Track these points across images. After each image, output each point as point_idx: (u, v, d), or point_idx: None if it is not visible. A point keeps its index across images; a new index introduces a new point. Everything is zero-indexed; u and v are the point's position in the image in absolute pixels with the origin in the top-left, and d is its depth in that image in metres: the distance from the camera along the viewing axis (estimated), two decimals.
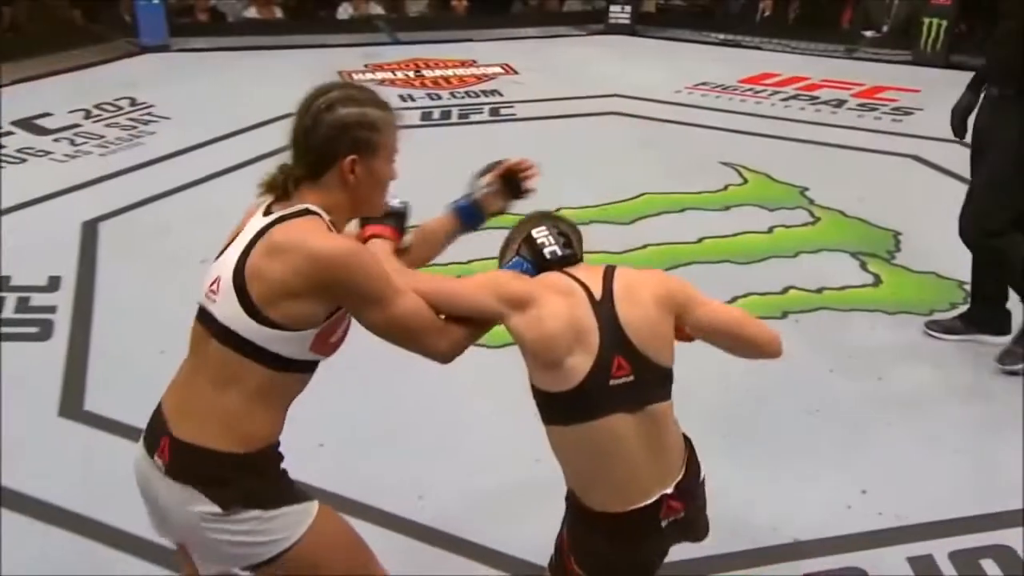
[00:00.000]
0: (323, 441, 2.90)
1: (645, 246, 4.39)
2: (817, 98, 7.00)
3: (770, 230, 4.61)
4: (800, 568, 2.47)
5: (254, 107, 5.94)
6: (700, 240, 4.46)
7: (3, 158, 5.55)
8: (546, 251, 1.77)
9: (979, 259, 3.49)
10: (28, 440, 2.96)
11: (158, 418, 1.68)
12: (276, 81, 5.69)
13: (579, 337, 1.64)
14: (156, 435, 1.66)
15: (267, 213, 1.63)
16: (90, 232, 4.53)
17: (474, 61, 8.00)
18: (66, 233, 4.49)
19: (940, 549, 2.54)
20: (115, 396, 3.13)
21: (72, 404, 3.16)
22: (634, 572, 1.80)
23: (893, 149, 5.85)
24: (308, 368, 1.68)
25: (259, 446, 1.64)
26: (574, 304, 1.67)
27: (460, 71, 7.71)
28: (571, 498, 1.79)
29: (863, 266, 4.24)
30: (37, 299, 3.87)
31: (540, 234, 1.80)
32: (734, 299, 3.88)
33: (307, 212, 1.60)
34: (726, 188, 5.14)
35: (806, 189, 5.09)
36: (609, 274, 1.73)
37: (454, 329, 1.70)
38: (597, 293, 1.69)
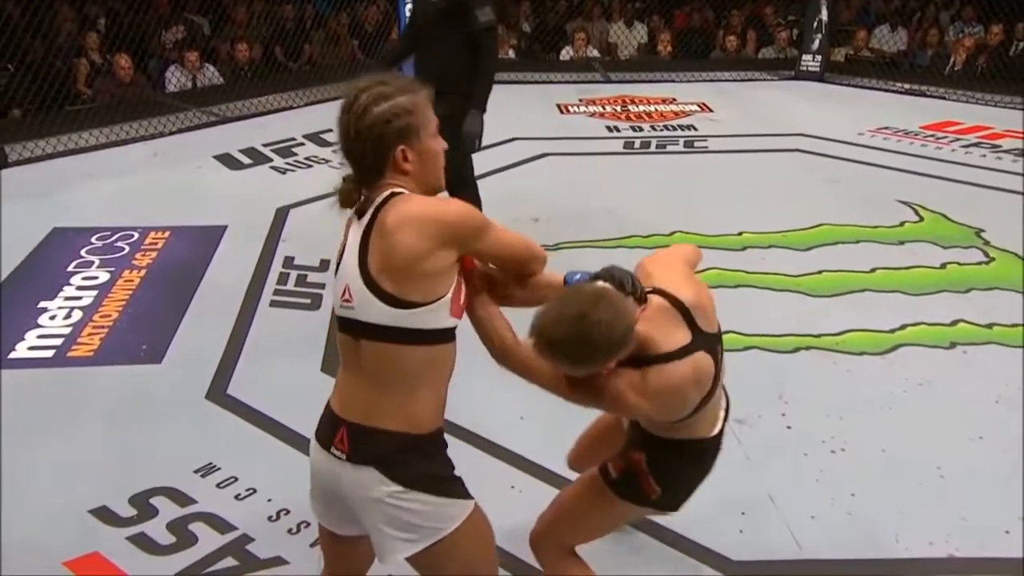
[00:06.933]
0: (523, 415, 2.94)
1: (820, 272, 4.13)
2: (999, 147, 6.30)
3: (943, 266, 4.21)
4: None
5: (491, 130, 6.07)
6: (873, 270, 4.14)
7: (296, 163, 5.99)
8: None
9: None
10: (295, 387, 3.14)
11: (329, 415, 1.58)
12: (509, 110, 5.77)
13: None
14: (331, 428, 1.55)
15: (361, 217, 1.53)
16: None
17: (674, 99, 7.81)
18: (335, 225, 4.75)
19: None
20: None
21: (331, 363, 3.32)
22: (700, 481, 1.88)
23: None
24: (451, 337, 1.54)
25: (428, 428, 1.53)
26: None
27: (661, 107, 7.54)
28: (654, 436, 1.78)
29: None
30: (312, 277, 4.13)
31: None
32: (903, 326, 3.59)
33: (395, 194, 1.50)
34: (902, 224, 4.73)
35: (982, 231, 4.60)
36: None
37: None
38: None
